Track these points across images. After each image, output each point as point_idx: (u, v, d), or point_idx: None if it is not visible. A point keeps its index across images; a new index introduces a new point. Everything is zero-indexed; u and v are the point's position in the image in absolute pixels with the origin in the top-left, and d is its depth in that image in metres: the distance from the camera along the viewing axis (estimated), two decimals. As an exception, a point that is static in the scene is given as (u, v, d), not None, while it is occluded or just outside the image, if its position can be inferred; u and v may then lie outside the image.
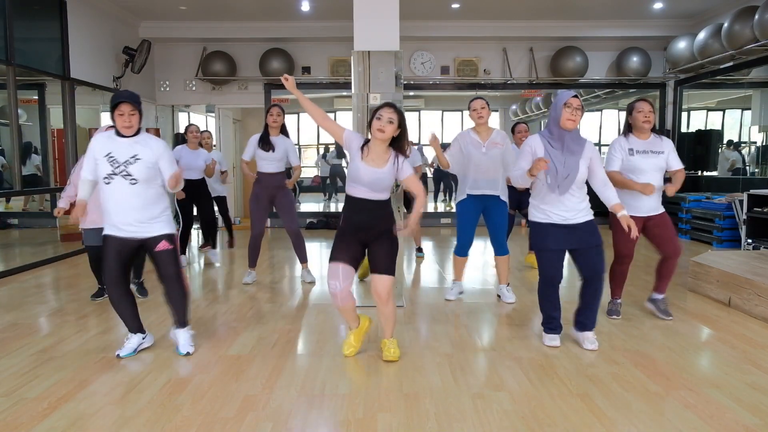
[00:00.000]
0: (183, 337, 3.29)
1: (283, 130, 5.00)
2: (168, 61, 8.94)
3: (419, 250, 6.55)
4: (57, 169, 6.90)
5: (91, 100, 7.58)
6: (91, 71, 7.18)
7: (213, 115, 9.62)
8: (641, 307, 4.18)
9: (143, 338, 3.32)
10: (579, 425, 2.40)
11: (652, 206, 3.75)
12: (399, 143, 3.04)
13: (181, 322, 3.30)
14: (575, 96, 3.14)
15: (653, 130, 3.76)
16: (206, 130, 6.75)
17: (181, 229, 5.85)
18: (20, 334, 3.66)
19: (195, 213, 5.99)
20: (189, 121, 10.25)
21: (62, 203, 4.13)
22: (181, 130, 9.76)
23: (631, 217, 3.59)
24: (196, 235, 7.87)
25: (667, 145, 3.77)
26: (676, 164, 3.77)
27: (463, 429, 2.38)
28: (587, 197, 3.31)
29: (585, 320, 3.35)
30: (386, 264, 3.05)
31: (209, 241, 6.24)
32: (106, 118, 7.93)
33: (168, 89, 9.07)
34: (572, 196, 3.21)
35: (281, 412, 2.53)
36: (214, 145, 7.52)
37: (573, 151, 3.17)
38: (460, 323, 3.89)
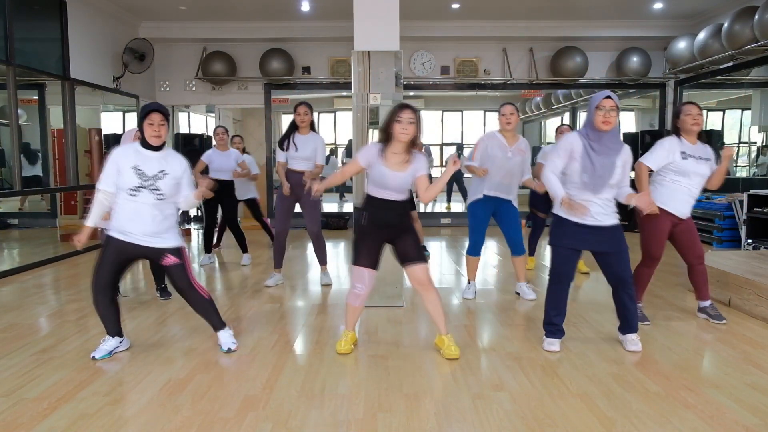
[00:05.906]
0: (223, 338, 3.36)
1: (313, 127, 4.91)
2: (168, 61, 8.93)
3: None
4: (57, 169, 6.89)
5: (91, 100, 7.57)
6: (91, 71, 7.18)
7: (213, 115, 9.62)
8: (641, 308, 4.17)
9: (120, 342, 3.31)
10: (579, 425, 2.40)
11: (684, 211, 3.68)
12: (414, 141, 3.15)
13: (216, 326, 3.37)
14: (608, 97, 3.09)
15: (698, 137, 3.70)
16: (237, 135, 6.81)
17: (204, 227, 6.12)
18: (20, 334, 3.66)
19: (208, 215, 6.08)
20: (189, 121, 10.25)
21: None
22: (182, 131, 9.77)
23: (662, 211, 3.61)
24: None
25: (712, 153, 3.73)
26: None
27: (463, 429, 2.38)
28: (614, 201, 3.25)
29: (626, 323, 3.30)
30: (417, 252, 3.23)
31: (220, 241, 6.73)
32: (106, 119, 7.94)
33: (168, 89, 9.06)
34: (603, 197, 3.16)
35: (281, 412, 2.53)
36: (246, 150, 7.32)
37: (609, 153, 3.12)
38: (460, 323, 3.89)
